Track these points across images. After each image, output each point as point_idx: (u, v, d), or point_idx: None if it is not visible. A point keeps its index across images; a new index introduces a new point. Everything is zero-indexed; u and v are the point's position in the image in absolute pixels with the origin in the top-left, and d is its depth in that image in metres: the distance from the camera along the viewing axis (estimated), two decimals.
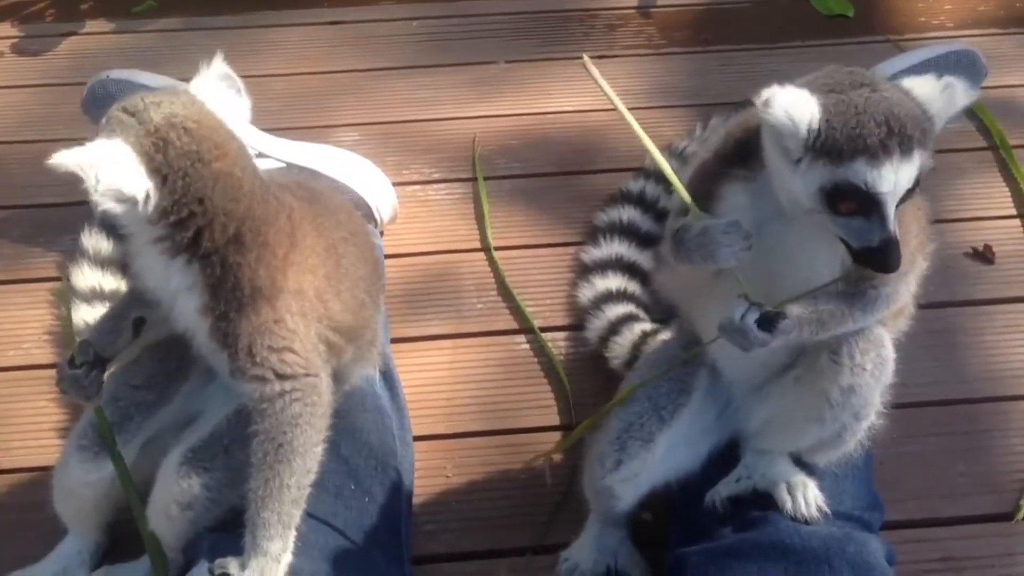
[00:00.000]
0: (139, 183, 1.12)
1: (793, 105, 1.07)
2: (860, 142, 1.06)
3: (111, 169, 1.10)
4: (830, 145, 1.07)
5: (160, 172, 1.13)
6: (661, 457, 1.34)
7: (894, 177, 1.07)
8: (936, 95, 1.12)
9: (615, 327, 1.66)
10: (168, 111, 1.15)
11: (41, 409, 1.64)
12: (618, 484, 1.35)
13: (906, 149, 1.07)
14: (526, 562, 1.47)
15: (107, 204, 1.12)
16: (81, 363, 1.29)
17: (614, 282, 1.74)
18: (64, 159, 1.09)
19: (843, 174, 1.07)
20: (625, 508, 1.39)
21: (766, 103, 1.07)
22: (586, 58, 1.21)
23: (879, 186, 1.07)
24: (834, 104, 1.08)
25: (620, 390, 1.42)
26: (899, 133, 1.06)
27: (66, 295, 1.65)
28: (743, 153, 1.18)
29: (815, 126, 1.07)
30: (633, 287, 1.73)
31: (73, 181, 1.11)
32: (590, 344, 1.71)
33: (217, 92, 1.23)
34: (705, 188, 1.21)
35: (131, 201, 1.13)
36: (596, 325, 1.69)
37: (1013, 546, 1.49)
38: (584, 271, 1.79)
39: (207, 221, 1.17)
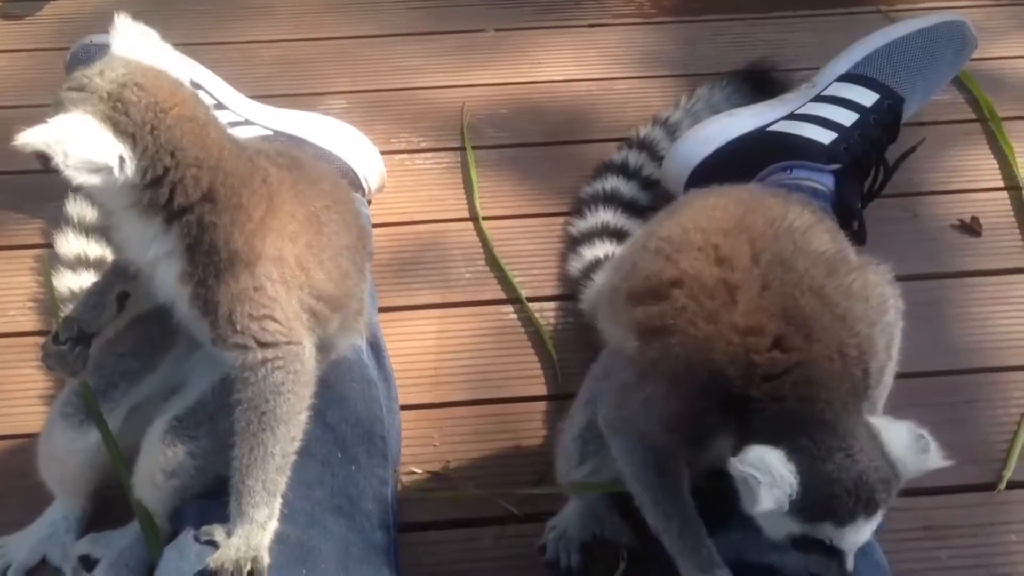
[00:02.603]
0: (111, 149, 1.11)
1: (771, 473, 1.09)
2: (829, 509, 1.10)
3: (79, 141, 1.09)
4: (801, 505, 1.10)
5: (128, 132, 1.12)
6: None
7: (856, 537, 1.13)
8: (910, 455, 1.16)
9: None
10: (113, 75, 1.14)
11: (27, 376, 1.63)
12: (584, 478, 1.37)
13: (870, 512, 1.12)
14: (512, 530, 1.48)
15: (82, 177, 1.11)
16: (66, 339, 1.28)
17: (601, 250, 1.74)
18: (29, 138, 1.08)
19: (810, 531, 1.12)
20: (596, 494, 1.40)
21: (740, 459, 1.10)
22: None
23: (842, 544, 1.12)
24: (809, 470, 1.10)
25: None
26: (866, 500, 1.11)
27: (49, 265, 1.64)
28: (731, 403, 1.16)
29: (792, 494, 1.09)
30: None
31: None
32: (584, 318, 1.70)
33: (145, 49, 1.21)
34: (693, 432, 1.20)
35: (106, 170, 1.12)
36: (587, 295, 1.69)
37: (995, 516, 1.51)
38: (572, 243, 1.79)
39: (180, 175, 1.16)
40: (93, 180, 1.12)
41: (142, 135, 1.13)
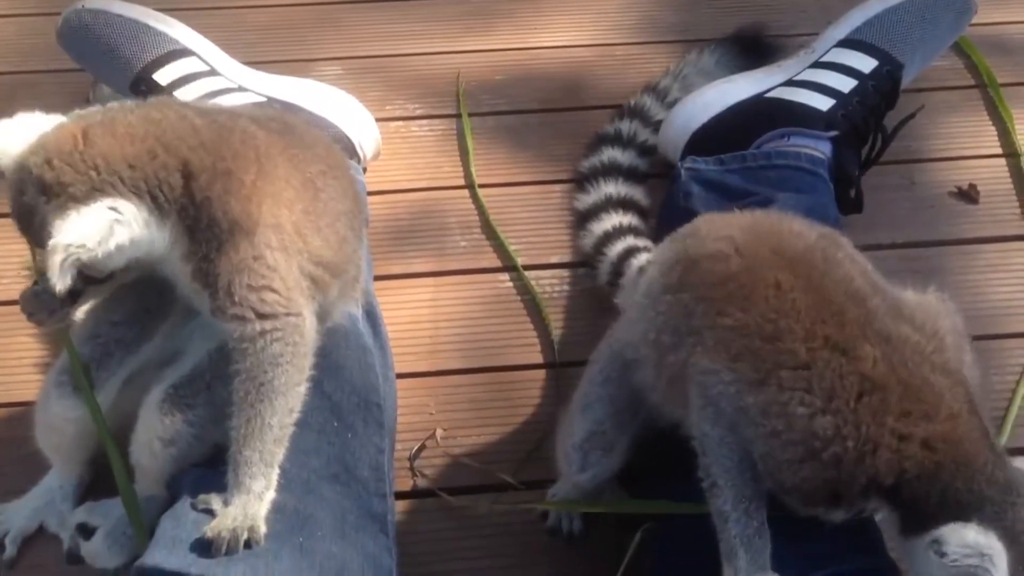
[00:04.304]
0: (101, 214, 1.13)
1: (985, 553, 1.07)
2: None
3: (81, 231, 1.11)
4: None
5: (96, 189, 1.14)
6: (624, 450, 1.36)
7: None
8: None
9: (618, 269, 1.64)
10: (42, 149, 1.16)
11: (23, 344, 1.63)
12: (585, 482, 1.37)
13: None
14: (509, 497, 1.49)
15: (130, 253, 1.16)
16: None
17: (609, 222, 1.73)
18: (68, 253, 1.10)
19: None
20: (596, 488, 1.40)
21: (947, 549, 1.08)
22: None
23: None
24: (1002, 531, 1.09)
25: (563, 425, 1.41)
26: None
27: None
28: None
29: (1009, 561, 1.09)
30: (627, 220, 1.72)
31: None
32: (581, 287, 1.70)
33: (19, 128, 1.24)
34: (841, 488, 1.15)
35: (118, 231, 1.14)
36: (602, 271, 1.68)
37: None
38: (580, 219, 1.77)
39: (148, 175, 1.18)
40: (142, 248, 1.18)
41: (101, 183, 1.15)
